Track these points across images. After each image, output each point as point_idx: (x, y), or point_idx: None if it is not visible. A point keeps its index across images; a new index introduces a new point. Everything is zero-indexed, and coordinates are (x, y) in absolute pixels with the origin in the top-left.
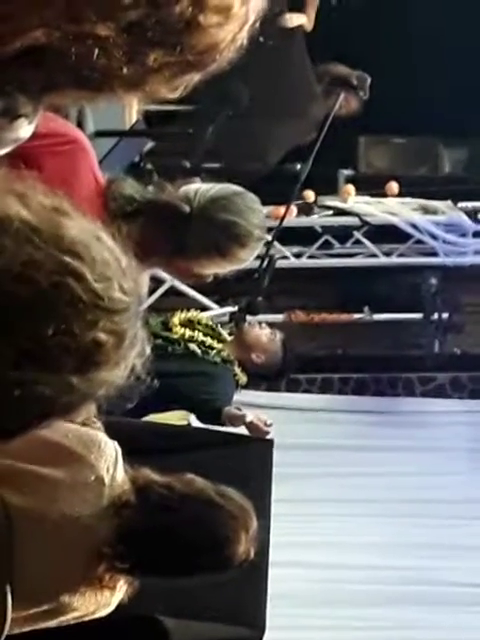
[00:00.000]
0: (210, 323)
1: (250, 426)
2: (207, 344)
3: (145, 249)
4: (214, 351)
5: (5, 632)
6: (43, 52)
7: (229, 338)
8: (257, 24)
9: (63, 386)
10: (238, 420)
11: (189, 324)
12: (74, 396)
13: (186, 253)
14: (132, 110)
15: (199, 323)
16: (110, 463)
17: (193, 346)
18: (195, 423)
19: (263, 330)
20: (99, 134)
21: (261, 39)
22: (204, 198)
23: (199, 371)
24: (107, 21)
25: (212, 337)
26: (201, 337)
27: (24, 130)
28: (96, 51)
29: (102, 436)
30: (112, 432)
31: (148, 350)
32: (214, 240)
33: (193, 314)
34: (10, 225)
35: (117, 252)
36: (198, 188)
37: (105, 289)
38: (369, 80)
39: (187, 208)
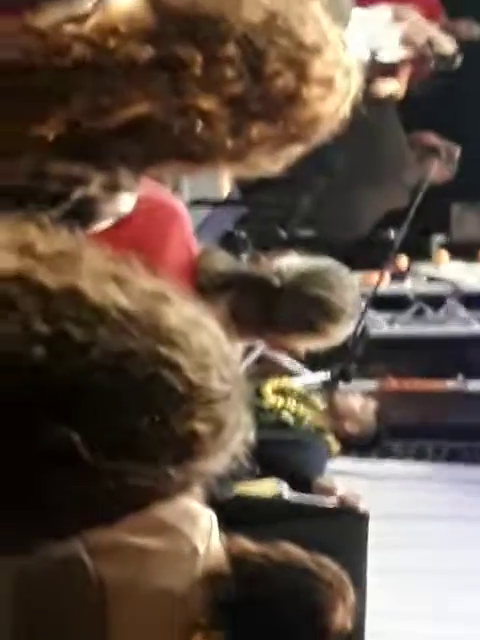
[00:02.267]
0: (303, 391)
1: (341, 499)
2: (300, 413)
3: (235, 321)
4: (307, 420)
5: None
6: (146, 125)
7: (322, 406)
8: (358, 95)
9: (159, 477)
10: (329, 492)
11: (282, 392)
12: (171, 486)
13: (276, 327)
14: (226, 178)
15: (292, 391)
16: (205, 534)
17: (286, 415)
18: (287, 492)
19: (356, 399)
20: (195, 203)
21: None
22: (296, 273)
23: (292, 440)
24: (210, 94)
25: (305, 405)
26: (294, 406)
27: (125, 203)
28: (199, 124)
29: (197, 506)
30: (206, 502)
31: (252, 436)
32: (305, 316)
33: (286, 382)
34: (107, 314)
35: (220, 338)
36: (290, 262)
37: (203, 379)
38: (458, 152)
39: (278, 282)
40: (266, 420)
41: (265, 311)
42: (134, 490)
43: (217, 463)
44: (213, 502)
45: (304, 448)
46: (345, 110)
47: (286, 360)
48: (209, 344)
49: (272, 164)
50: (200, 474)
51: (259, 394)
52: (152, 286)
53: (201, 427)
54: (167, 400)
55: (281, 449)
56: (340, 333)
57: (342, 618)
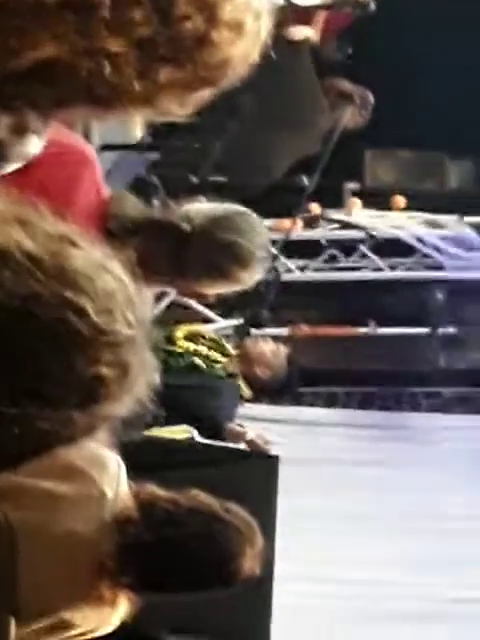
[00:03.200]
0: (214, 337)
1: (250, 444)
2: (211, 358)
3: (144, 268)
4: (219, 365)
5: None
6: (54, 67)
7: (234, 352)
8: (268, 40)
9: (64, 421)
10: (239, 437)
11: (193, 338)
12: (76, 430)
13: (186, 273)
14: (137, 123)
15: (203, 337)
16: (113, 478)
17: (197, 360)
18: (197, 438)
19: (267, 345)
20: (105, 148)
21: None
22: (205, 217)
23: (203, 385)
24: (118, 37)
25: (217, 351)
26: (205, 351)
27: (33, 146)
28: (107, 67)
29: (105, 451)
30: (115, 446)
31: (157, 379)
32: (215, 261)
33: (197, 328)
34: (11, 257)
35: (125, 281)
36: (200, 207)
37: (108, 323)
38: (372, 98)
39: (187, 227)
40: (177, 365)
41: (175, 256)
42: (38, 434)
43: (122, 407)
44: (122, 447)
45: (215, 393)
46: (255, 54)
47: (198, 306)
48: (114, 288)
49: (181, 108)
50: (105, 418)
51: (170, 340)
52: (57, 229)
53: (106, 371)
54: (72, 344)
55: (192, 394)
56: (250, 277)
57: (250, 563)
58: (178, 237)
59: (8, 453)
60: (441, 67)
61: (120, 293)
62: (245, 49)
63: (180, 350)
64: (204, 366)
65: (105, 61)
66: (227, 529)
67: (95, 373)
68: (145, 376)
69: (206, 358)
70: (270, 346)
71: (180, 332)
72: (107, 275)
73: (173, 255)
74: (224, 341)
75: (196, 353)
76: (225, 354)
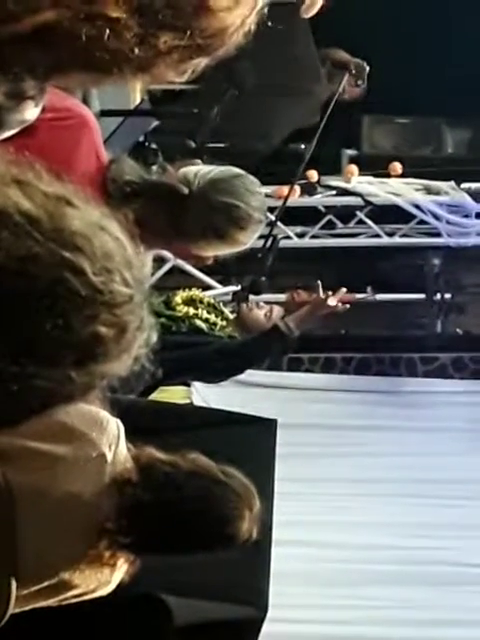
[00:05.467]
0: (212, 302)
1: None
2: (211, 321)
3: (144, 230)
4: (218, 327)
5: (10, 609)
6: (53, 32)
7: (232, 317)
8: (265, 8)
9: (62, 379)
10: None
11: (192, 302)
12: (74, 388)
13: (185, 235)
14: (137, 89)
15: (201, 302)
16: (112, 440)
17: (199, 322)
18: (197, 402)
19: (261, 310)
20: (104, 114)
21: (268, 21)
22: (204, 180)
23: (207, 341)
24: (119, 2)
25: (216, 315)
26: (205, 315)
27: (30, 112)
28: (107, 33)
29: (104, 413)
30: (114, 410)
31: (154, 338)
32: (213, 223)
33: (195, 293)
34: (9, 218)
35: (123, 241)
36: (198, 170)
37: (105, 282)
38: (367, 69)
39: (186, 190)
40: (178, 330)
41: (173, 219)
42: (37, 392)
43: (121, 366)
44: (121, 411)
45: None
46: (252, 22)
47: (197, 272)
48: (112, 248)
49: (179, 75)
50: (103, 376)
51: (169, 305)
52: (55, 190)
53: (104, 330)
54: (70, 303)
55: (197, 349)
56: (247, 239)
57: (249, 526)
58: (176, 199)
59: (7, 411)
60: (438, 33)
61: (118, 253)
62: (242, 17)
63: (180, 315)
64: (205, 328)
65: (105, 27)
66: (225, 492)
67: (93, 332)
68: (143, 335)
69: (206, 321)
70: (263, 310)
71: (179, 297)
72: (105, 235)
73: (171, 217)
74: (222, 307)
75: (196, 316)
76: (224, 319)
